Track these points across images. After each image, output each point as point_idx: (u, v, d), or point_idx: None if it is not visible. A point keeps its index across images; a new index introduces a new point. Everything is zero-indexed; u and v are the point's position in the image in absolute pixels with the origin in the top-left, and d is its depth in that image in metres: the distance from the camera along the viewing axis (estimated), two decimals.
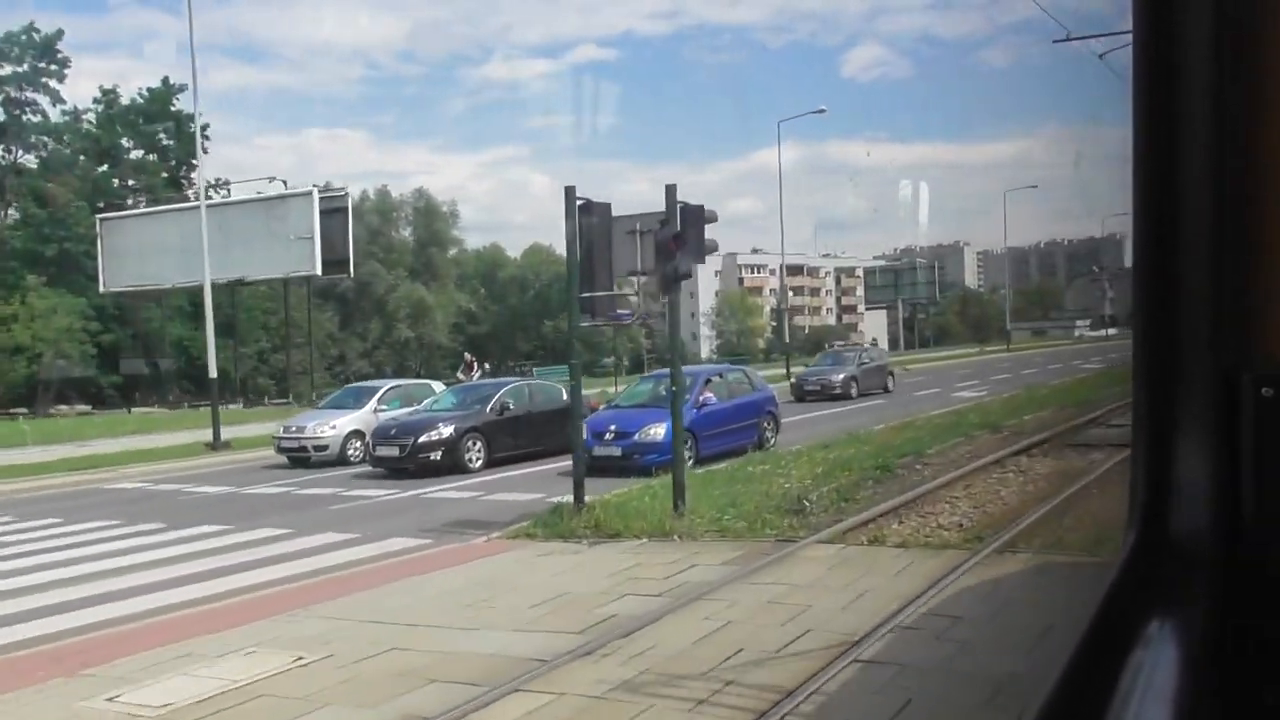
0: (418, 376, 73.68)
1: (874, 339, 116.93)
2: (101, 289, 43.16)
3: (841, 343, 38.57)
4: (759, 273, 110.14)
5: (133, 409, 41.81)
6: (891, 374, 31.56)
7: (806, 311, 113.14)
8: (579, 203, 10.74)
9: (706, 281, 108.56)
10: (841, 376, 29.26)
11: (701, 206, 10.59)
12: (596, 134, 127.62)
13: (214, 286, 41.60)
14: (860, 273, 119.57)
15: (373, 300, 76.00)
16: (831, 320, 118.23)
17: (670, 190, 10.37)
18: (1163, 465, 1.23)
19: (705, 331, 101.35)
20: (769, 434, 17.55)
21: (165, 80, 51.88)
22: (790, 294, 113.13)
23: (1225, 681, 1.17)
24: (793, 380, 30.44)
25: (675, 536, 9.68)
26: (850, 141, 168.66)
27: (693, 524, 9.92)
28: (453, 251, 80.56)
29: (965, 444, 15.44)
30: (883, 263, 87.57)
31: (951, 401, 25.40)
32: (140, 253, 41.68)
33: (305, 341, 46.24)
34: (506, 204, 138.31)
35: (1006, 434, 16.32)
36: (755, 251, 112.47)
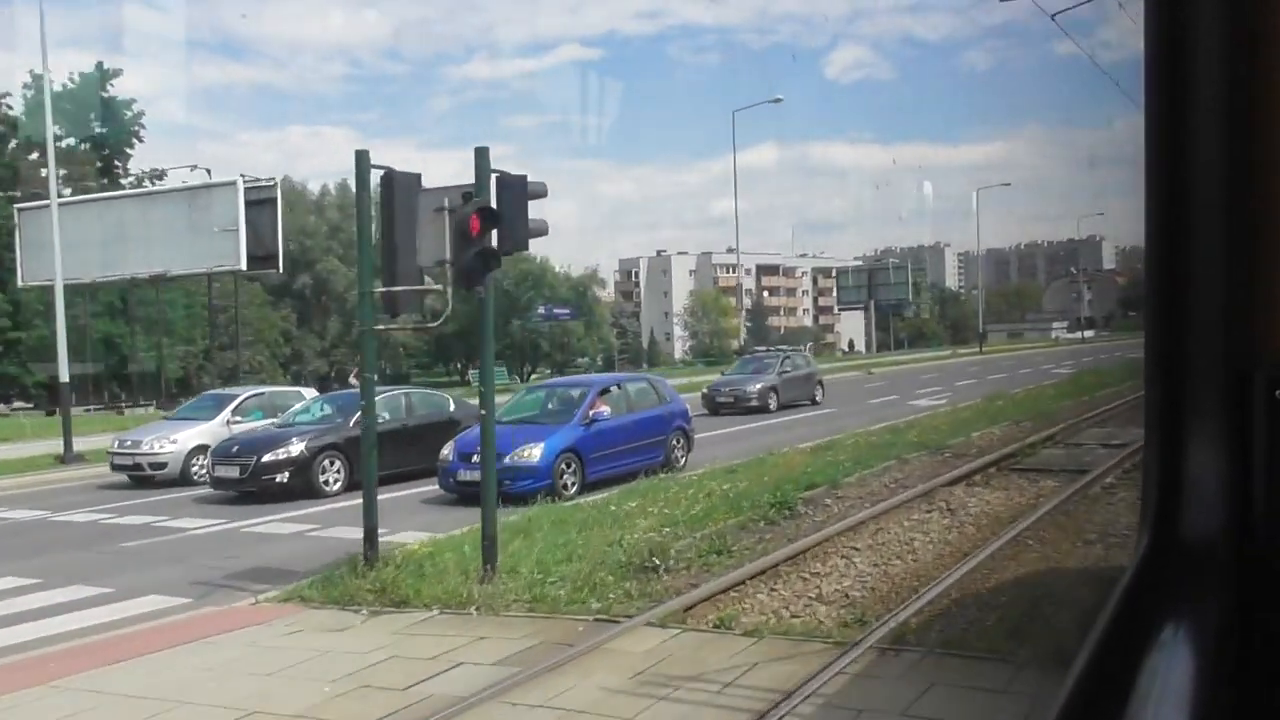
0: (383, 377, 71.61)
1: (850, 340, 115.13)
2: (20, 283, 40.54)
3: (764, 349, 34.62)
4: (734, 272, 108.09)
5: (37, 411, 39.09)
6: (820, 384, 28.39)
7: (782, 312, 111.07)
8: (381, 173, 8.37)
9: (681, 280, 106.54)
10: (759, 387, 25.91)
11: (524, 177, 8.20)
12: (580, 133, 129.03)
13: (139, 281, 39.54)
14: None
15: (333, 297, 73.46)
16: (808, 321, 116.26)
17: (481, 154, 7.98)
18: (1175, 465, 1.25)
19: (679, 332, 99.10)
20: (679, 453, 15.20)
21: (99, 65, 49.23)
22: (766, 294, 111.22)
23: (1241, 681, 1.18)
24: (703, 391, 26.95)
25: (474, 609, 7.33)
26: (832, 143, 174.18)
27: (502, 591, 7.56)
28: None
29: (895, 469, 13.11)
30: (856, 263, 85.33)
31: (906, 411, 23.16)
32: (61, 245, 39.08)
33: (255, 339, 43.69)
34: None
35: (947, 456, 14.00)
36: (730, 251, 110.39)
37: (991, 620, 6.31)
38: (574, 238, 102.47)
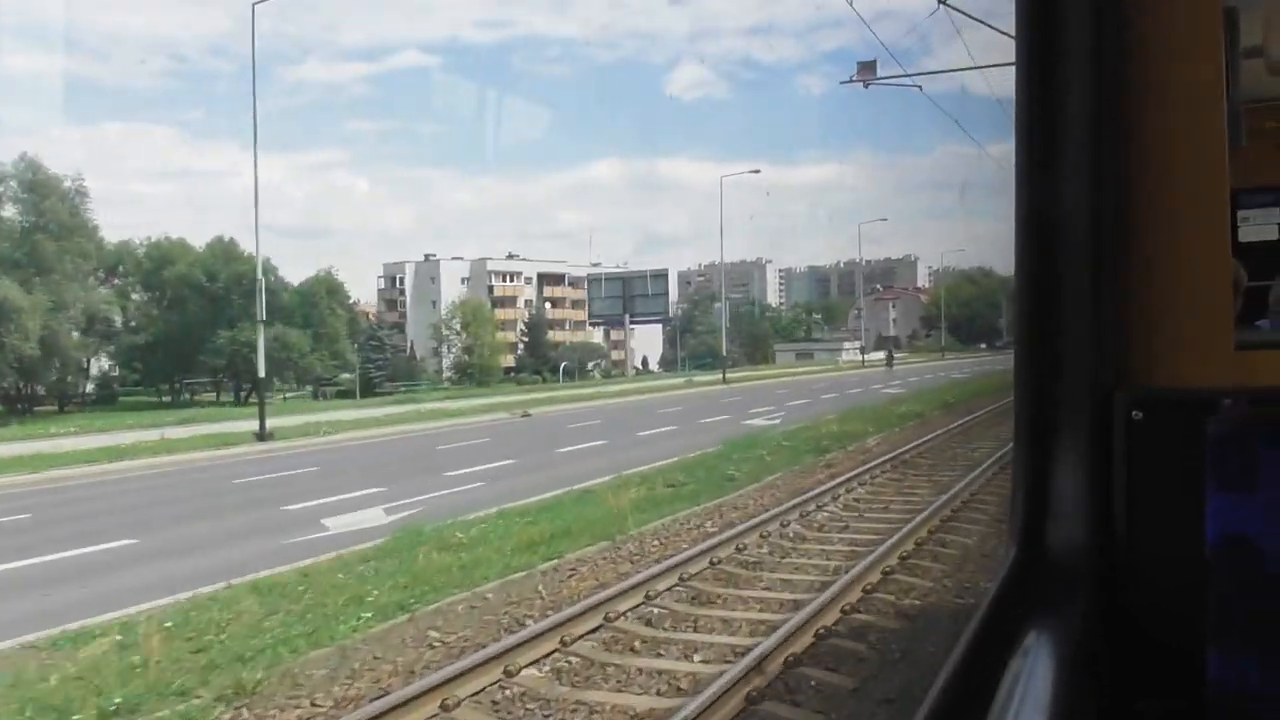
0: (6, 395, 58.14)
1: (644, 358, 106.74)
2: None
3: None
4: (513, 281, 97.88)
5: None
6: None
7: (568, 325, 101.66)
8: None
9: (454, 289, 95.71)
10: None
11: None
12: (420, 141, 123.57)
13: None
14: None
15: None
16: (598, 335, 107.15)
17: None
18: (1041, 482, 1.33)
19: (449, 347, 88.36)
20: None
21: None
22: (549, 305, 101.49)
23: (1099, 690, 1.27)
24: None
25: None
26: (675, 159, 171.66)
27: None
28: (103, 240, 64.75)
29: None
30: (608, 270, 76.06)
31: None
32: None
33: None
34: (326, 209, 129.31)
35: None
36: (511, 257, 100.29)
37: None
38: (411, 245, 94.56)
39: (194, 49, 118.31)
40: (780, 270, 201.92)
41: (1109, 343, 1.29)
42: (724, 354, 63.41)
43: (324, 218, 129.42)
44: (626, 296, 58.92)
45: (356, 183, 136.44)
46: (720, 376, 53.01)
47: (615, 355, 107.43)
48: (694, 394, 42.96)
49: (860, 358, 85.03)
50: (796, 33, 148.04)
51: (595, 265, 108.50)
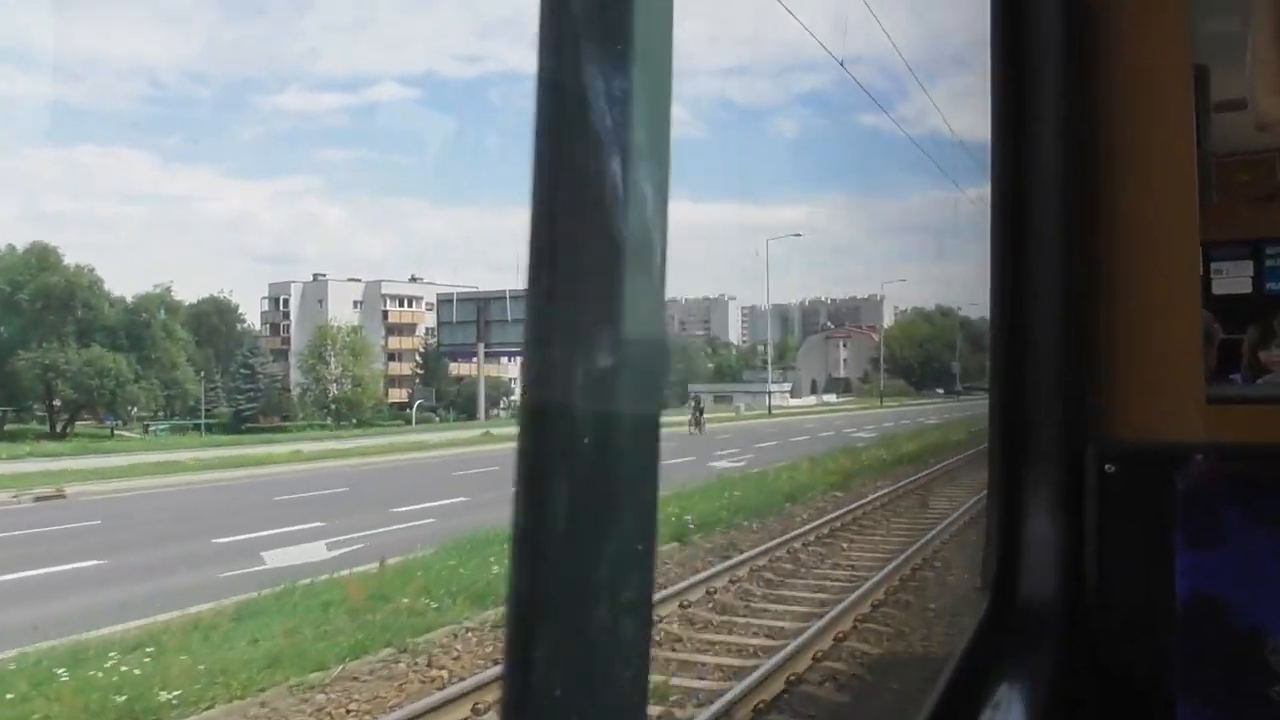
0: None
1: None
2: None
3: None
4: (413, 306, 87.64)
5: None
6: None
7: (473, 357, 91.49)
8: None
9: (344, 314, 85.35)
10: None
11: None
12: (394, 171, 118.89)
13: None
14: None
15: None
16: (513, 369, 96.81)
17: None
18: (1014, 535, 1.34)
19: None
20: None
21: None
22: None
23: None
24: None
25: None
26: None
27: None
28: None
29: None
30: (461, 289, 65.17)
31: None
32: None
33: None
34: (298, 234, 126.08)
35: None
36: (414, 280, 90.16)
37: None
38: (382, 272, 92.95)
39: (172, 74, 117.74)
40: (744, 307, 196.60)
41: (1082, 395, 1.29)
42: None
43: (294, 242, 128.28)
44: (482, 323, 48.61)
45: (329, 211, 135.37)
46: None
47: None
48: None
49: (793, 401, 75.24)
50: (771, 74, 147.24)
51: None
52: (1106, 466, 1.29)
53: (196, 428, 67.41)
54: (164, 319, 61.39)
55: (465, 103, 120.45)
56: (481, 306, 49.98)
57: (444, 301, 61.64)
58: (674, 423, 61.74)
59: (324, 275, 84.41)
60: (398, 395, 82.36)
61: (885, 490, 18.84)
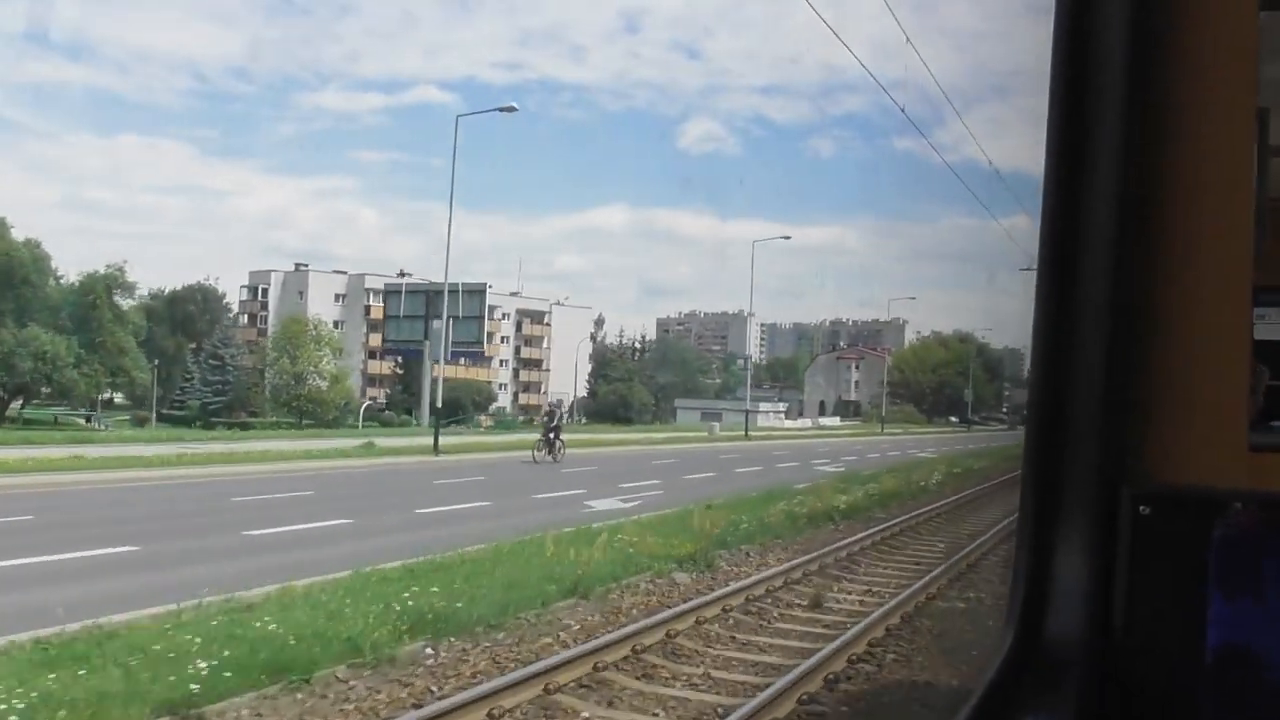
0: None
1: (558, 400, 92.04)
2: None
3: None
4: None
5: None
6: None
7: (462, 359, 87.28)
8: None
9: (325, 307, 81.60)
10: None
11: None
12: (428, 174, 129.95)
13: None
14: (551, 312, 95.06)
15: None
16: (506, 373, 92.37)
17: None
18: (1043, 571, 1.31)
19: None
20: None
21: None
22: None
23: None
24: None
25: None
26: (678, 211, 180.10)
27: None
28: None
29: None
30: (410, 279, 60.05)
31: None
32: None
33: None
34: (332, 234, 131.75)
35: None
36: (404, 275, 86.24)
37: None
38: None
39: (216, 69, 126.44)
40: (763, 324, 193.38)
41: (1121, 434, 1.28)
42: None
43: (328, 242, 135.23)
44: (430, 318, 44.07)
45: (363, 211, 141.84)
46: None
47: (526, 399, 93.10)
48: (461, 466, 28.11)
49: (788, 424, 70.37)
50: (809, 95, 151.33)
51: (513, 295, 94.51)
52: (1141, 508, 1.26)
53: (145, 421, 63.53)
54: (115, 301, 57.38)
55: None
56: (430, 301, 45.24)
57: (391, 293, 56.81)
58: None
59: (306, 266, 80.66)
60: (376, 395, 78.39)
61: (773, 570, 12.59)
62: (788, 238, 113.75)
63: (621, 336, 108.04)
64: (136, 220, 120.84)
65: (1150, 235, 1.26)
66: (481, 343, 45.56)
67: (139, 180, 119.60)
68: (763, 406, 73.53)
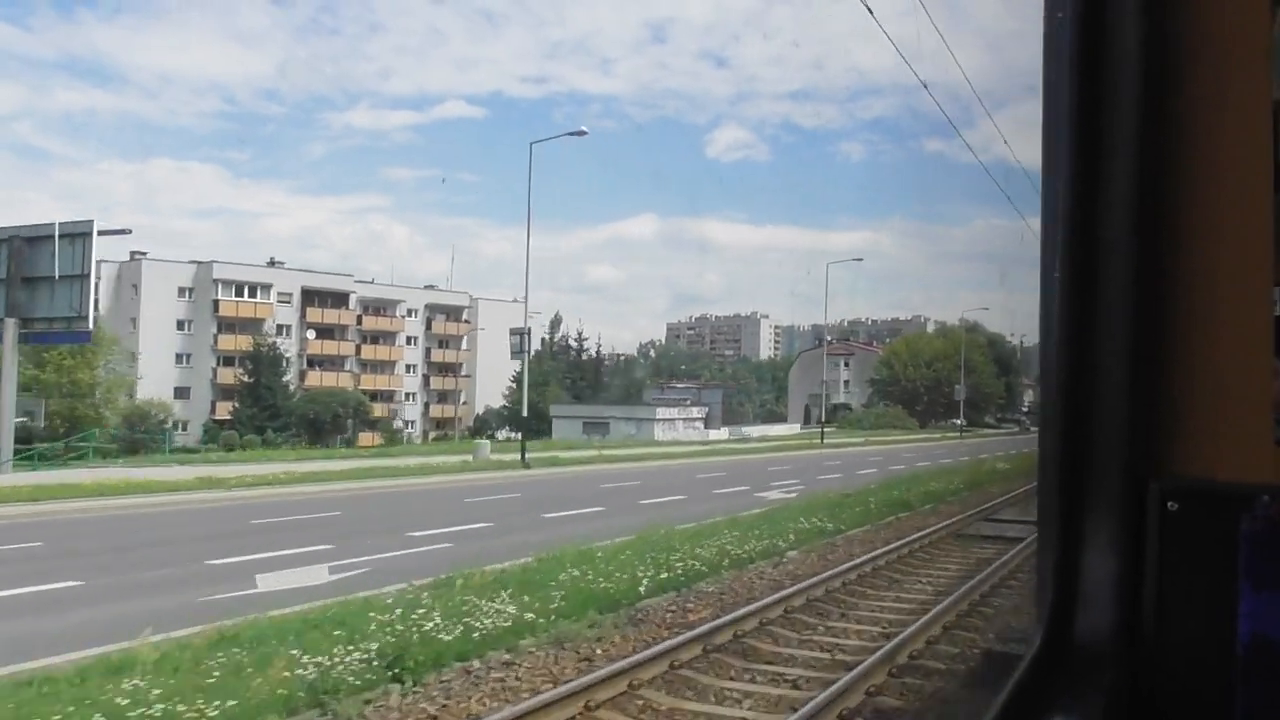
0: None
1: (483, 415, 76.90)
2: None
3: None
4: (259, 296, 69.14)
5: None
6: None
7: (349, 365, 72.43)
8: None
9: (166, 304, 67.39)
10: None
11: None
12: (459, 189, 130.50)
13: None
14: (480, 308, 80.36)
15: None
16: (414, 378, 77.35)
17: None
18: (1071, 569, 1.31)
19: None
20: None
21: None
22: (312, 334, 72.69)
23: None
24: None
25: None
26: (707, 219, 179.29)
27: None
28: None
29: None
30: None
31: None
32: None
33: None
34: (364, 252, 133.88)
35: None
36: (273, 264, 71.92)
37: None
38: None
39: (245, 91, 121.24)
40: (779, 326, 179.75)
41: (1145, 429, 1.28)
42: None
43: (360, 260, 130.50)
44: (12, 279, 28.30)
45: (395, 229, 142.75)
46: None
47: (441, 410, 78.15)
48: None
49: (713, 434, 54.24)
50: (837, 100, 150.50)
51: (428, 288, 79.51)
52: (1169, 504, 1.25)
53: None
54: None
55: (531, 122, 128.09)
56: (13, 252, 29.22)
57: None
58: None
59: (142, 254, 66.48)
60: (225, 411, 64.05)
61: None
62: (860, 259, 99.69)
63: (581, 338, 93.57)
64: (172, 245, 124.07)
65: (1169, 230, 1.26)
66: (87, 318, 30.44)
67: (169, 203, 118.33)
68: (662, 413, 57.27)
